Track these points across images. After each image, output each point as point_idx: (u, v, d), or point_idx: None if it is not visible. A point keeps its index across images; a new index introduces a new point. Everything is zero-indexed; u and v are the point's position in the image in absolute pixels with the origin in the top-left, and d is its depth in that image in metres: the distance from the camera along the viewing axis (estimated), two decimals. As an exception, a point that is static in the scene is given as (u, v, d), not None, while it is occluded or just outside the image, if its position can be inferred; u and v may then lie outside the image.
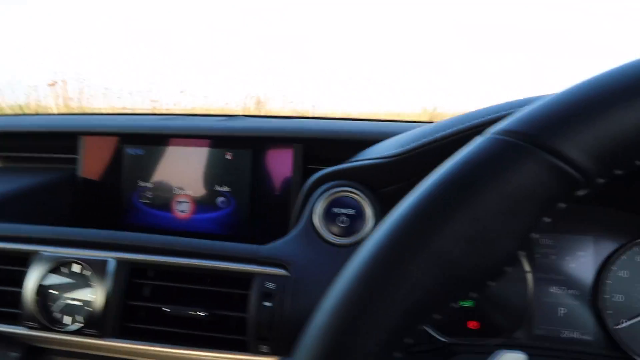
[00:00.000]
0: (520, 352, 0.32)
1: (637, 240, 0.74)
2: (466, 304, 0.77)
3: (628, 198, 0.74)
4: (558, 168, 0.24)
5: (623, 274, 0.74)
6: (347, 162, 0.75)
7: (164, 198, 0.91)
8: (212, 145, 0.88)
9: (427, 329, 0.76)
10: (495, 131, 0.26)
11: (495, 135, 0.25)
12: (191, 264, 0.63)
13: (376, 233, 0.26)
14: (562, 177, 0.24)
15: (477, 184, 0.24)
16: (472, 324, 0.77)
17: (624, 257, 0.74)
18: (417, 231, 0.24)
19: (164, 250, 0.64)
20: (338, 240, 0.60)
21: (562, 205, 0.25)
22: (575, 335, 0.75)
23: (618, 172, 0.25)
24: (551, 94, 0.26)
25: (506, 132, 0.25)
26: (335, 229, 0.59)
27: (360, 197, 0.61)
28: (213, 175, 0.88)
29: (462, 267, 0.24)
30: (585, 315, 0.75)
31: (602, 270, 0.74)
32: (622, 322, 0.72)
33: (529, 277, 0.76)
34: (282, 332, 0.55)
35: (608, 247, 0.75)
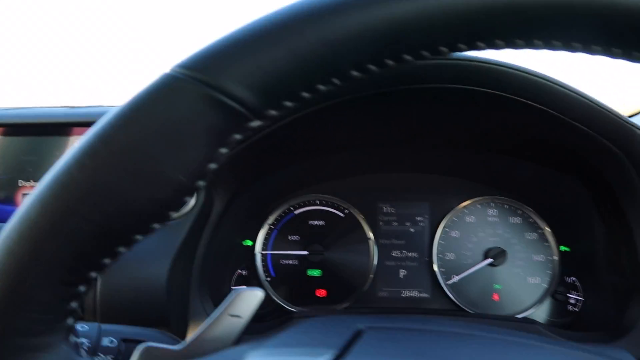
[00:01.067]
0: (257, 288, 0.34)
1: (466, 203, 0.81)
2: (314, 273, 0.80)
3: (460, 164, 0.81)
4: (221, 102, 0.24)
5: (454, 234, 0.80)
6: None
7: (8, 190, 0.85)
8: (56, 133, 0.84)
9: (277, 300, 0.79)
10: (171, 66, 0.27)
11: (169, 71, 0.26)
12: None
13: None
14: (227, 110, 0.24)
15: (141, 117, 0.24)
16: (320, 292, 0.80)
17: (454, 218, 0.81)
18: (84, 166, 0.24)
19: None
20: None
21: (237, 136, 0.26)
22: (415, 293, 0.80)
23: (287, 104, 0.27)
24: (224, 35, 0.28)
25: (177, 67, 0.26)
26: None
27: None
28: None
29: (136, 199, 0.24)
30: (422, 274, 0.81)
31: (436, 232, 0.80)
32: (453, 278, 0.79)
33: (371, 244, 0.81)
34: (96, 311, 0.55)
35: (442, 210, 0.81)
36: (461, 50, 0.26)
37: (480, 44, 0.26)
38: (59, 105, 0.97)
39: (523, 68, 0.53)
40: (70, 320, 0.26)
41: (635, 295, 0.63)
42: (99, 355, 0.41)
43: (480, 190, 0.81)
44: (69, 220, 0.23)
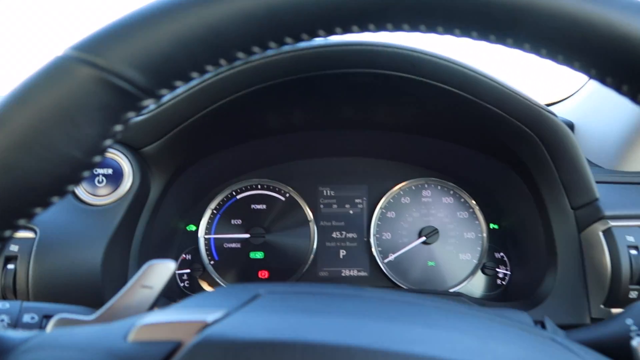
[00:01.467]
0: (170, 260, 0.36)
1: (401, 185, 0.84)
2: (257, 255, 0.83)
3: (395, 148, 0.84)
4: (110, 82, 0.26)
5: (390, 215, 0.84)
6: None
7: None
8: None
9: (221, 283, 0.81)
10: (64, 49, 0.28)
11: (61, 54, 0.27)
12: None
13: None
14: (117, 90, 0.26)
15: (34, 97, 0.26)
16: (262, 274, 0.82)
17: (391, 200, 0.84)
18: None
19: None
20: (95, 200, 0.61)
21: (131, 114, 0.28)
22: (354, 272, 0.84)
23: (178, 83, 0.28)
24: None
25: (69, 50, 0.27)
26: (91, 189, 0.60)
27: (119, 156, 0.62)
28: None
29: (32, 175, 0.26)
30: (361, 254, 0.84)
31: (374, 213, 0.84)
32: (390, 256, 0.83)
33: (312, 225, 0.84)
34: (29, 293, 0.55)
35: (379, 193, 0.85)
36: (338, 33, 0.29)
37: (353, 27, 0.28)
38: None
39: (435, 54, 0.56)
40: None
41: (550, 268, 0.68)
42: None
43: (415, 172, 0.85)
44: None
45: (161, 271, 0.36)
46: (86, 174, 0.28)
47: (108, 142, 0.28)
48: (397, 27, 0.29)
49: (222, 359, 0.23)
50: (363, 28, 0.29)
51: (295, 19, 0.27)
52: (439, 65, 0.56)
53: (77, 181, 0.28)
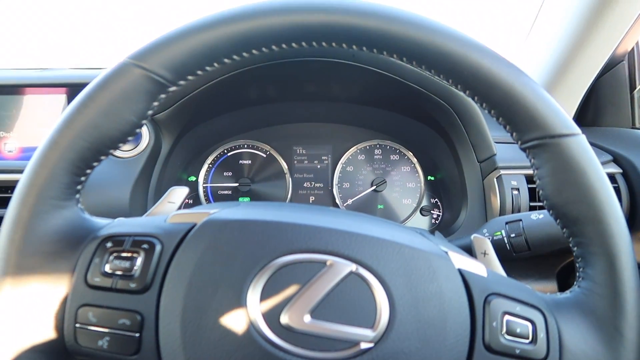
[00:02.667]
0: (184, 187, 0.56)
1: (357, 145, 1.06)
2: (244, 200, 1.05)
3: (354, 115, 1.05)
4: (151, 77, 0.41)
5: (349, 169, 1.06)
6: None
7: (-8, 141, 1.04)
8: (29, 93, 1.03)
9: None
10: (125, 57, 0.47)
11: (123, 60, 0.46)
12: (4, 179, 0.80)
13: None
14: (155, 82, 0.41)
15: (109, 84, 0.43)
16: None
17: (350, 157, 1.06)
18: (76, 111, 0.44)
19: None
20: (122, 153, 0.82)
21: (163, 95, 0.47)
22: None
23: (190, 77, 0.47)
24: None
25: (128, 57, 0.45)
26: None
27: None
28: (35, 117, 1.03)
29: (110, 130, 0.43)
30: (326, 199, 1.07)
31: (336, 168, 1.06)
32: (348, 201, 1.05)
33: (287, 177, 1.06)
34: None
35: (340, 151, 1.06)
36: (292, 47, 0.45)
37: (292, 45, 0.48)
38: (31, 67, 1.15)
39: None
40: (78, 195, 0.42)
41: (463, 207, 0.91)
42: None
43: (369, 135, 1.06)
44: (74, 140, 0.40)
45: (180, 192, 0.56)
46: (138, 130, 0.44)
47: (150, 111, 0.42)
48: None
49: (216, 232, 0.39)
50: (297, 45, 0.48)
51: (256, 41, 0.42)
52: (372, 55, 0.77)
53: (133, 135, 0.44)
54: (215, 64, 0.42)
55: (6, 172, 0.85)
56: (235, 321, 0.36)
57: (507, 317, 0.39)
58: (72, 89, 0.98)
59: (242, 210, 0.43)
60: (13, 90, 1.04)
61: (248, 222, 0.40)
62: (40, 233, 0.39)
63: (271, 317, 0.36)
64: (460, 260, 0.41)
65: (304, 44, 0.42)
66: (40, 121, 1.05)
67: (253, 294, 0.37)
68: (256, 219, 0.41)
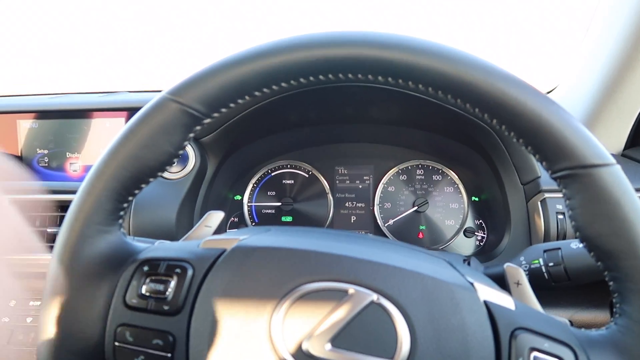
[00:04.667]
0: (220, 211, 0.59)
1: (399, 166, 1.06)
2: (287, 219, 1.07)
3: (396, 136, 1.06)
4: (187, 111, 0.43)
5: (391, 189, 1.06)
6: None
7: (58, 161, 1.13)
8: (93, 116, 1.11)
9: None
10: (164, 92, 0.50)
11: (162, 95, 0.48)
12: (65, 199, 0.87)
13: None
14: (190, 115, 0.43)
15: (149, 117, 0.47)
16: (290, 233, 1.07)
17: (391, 177, 1.06)
18: (119, 144, 0.47)
19: (45, 191, 0.89)
20: (170, 175, 0.87)
21: (198, 127, 0.48)
22: (361, 233, 1.06)
23: (223, 110, 0.49)
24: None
25: (166, 93, 0.48)
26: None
27: (190, 145, 0.88)
28: (98, 139, 1.11)
29: (149, 160, 0.44)
30: (367, 219, 1.07)
31: (378, 187, 1.06)
32: (389, 221, 1.05)
33: (329, 197, 1.07)
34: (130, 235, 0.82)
35: (382, 171, 1.07)
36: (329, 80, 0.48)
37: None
38: (93, 92, 1.24)
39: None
40: (120, 220, 0.44)
41: (507, 230, 0.89)
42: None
43: (411, 155, 1.06)
44: (118, 171, 0.42)
45: (216, 216, 0.59)
46: (175, 160, 0.44)
47: (186, 142, 0.44)
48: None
49: (244, 258, 0.41)
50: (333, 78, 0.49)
51: (283, 75, 0.43)
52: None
53: (171, 164, 0.44)
54: (247, 97, 0.44)
55: (69, 192, 0.92)
56: (258, 345, 0.38)
57: (534, 353, 0.38)
58: (131, 112, 1.04)
59: (271, 238, 0.45)
60: (80, 114, 1.12)
61: (274, 250, 0.42)
62: (85, 256, 0.42)
63: (293, 343, 0.37)
64: (487, 292, 0.41)
65: (330, 76, 0.43)
66: (102, 142, 1.13)
67: (276, 319, 0.38)
68: (282, 246, 0.42)
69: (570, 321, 0.46)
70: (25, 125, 1.15)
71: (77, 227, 0.42)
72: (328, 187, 1.07)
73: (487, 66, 0.41)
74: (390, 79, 0.42)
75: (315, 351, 0.37)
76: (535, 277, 0.61)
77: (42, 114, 1.13)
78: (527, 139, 0.41)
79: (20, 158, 1.16)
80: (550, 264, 0.60)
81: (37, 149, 1.16)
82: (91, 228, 0.42)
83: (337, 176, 1.08)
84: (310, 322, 0.38)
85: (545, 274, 0.60)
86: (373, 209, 1.06)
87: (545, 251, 0.62)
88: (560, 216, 0.79)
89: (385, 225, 1.05)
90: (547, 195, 0.81)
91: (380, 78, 0.43)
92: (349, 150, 1.09)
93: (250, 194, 1.08)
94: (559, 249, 0.61)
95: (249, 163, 1.07)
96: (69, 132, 1.15)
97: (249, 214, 1.08)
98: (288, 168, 1.09)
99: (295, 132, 1.03)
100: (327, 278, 0.40)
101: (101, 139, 1.13)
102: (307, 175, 1.08)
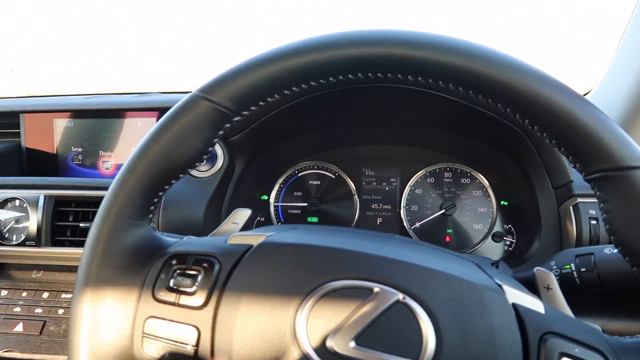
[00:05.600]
0: (247, 209, 0.60)
1: (426, 168, 1.05)
2: (313, 220, 1.07)
3: (424, 138, 1.05)
4: (217, 109, 0.43)
5: (418, 191, 1.05)
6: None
7: (92, 159, 1.17)
8: (125, 116, 1.14)
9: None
10: (194, 90, 0.51)
11: (192, 93, 0.49)
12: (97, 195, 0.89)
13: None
14: (221, 113, 0.44)
15: (180, 115, 0.47)
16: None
17: (418, 179, 1.05)
18: (151, 140, 0.48)
19: (78, 187, 0.91)
20: (198, 174, 0.89)
21: (228, 125, 0.50)
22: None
23: (253, 108, 0.50)
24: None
25: (197, 90, 0.48)
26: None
27: (218, 144, 0.89)
28: (130, 138, 1.14)
29: (180, 156, 0.44)
30: (394, 221, 1.06)
31: (404, 190, 1.05)
32: (416, 224, 1.04)
33: (356, 199, 1.07)
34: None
35: (409, 173, 1.06)
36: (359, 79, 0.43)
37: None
38: (126, 92, 1.27)
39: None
40: (151, 215, 0.45)
41: (537, 235, 0.86)
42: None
43: (439, 157, 1.05)
44: (149, 167, 0.43)
45: (243, 214, 0.60)
46: (205, 157, 0.45)
47: (215, 140, 0.45)
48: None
49: (270, 254, 0.41)
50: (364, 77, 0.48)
51: (313, 74, 0.42)
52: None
53: (201, 161, 0.45)
54: (276, 95, 0.44)
55: (101, 189, 0.94)
56: (283, 341, 0.38)
57: (564, 359, 0.37)
58: (162, 112, 1.07)
59: (297, 235, 0.45)
60: (113, 113, 1.15)
61: (300, 246, 0.42)
62: (117, 249, 0.43)
63: (317, 339, 0.37)
64: (516, 295, 0.40)
65: (360, 75, 0.43)
66: (134, 141, 1.15)
67: (301, 316, 0.38)
68: (308, 243, 0.42)
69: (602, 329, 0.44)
70: (61, 123, 1.19)
71: (110, 220, 0.43)
72: (354, 188, 1.07)
73: (520, 65, 0.40)
74: (420, 78, 0.42)
75: (339, 348, 0.37)
76: (566, 283, 0.60)
77: (78, 113, 1.16)
78: (560, 140, 0.40)
79: (55, 155, 1.19)
80: (583, 269, 0.59)
81: (72, 147, 1.19)
82: (123, 221, 0.43)
83: (363, 178, 1.08)
84: (335, 320, 0.38)
85: (577, 280, 0.59)
86: (399, 211, 1.05)
87: (577, 256, 0.61)
88: (594, 222, 0.77)
89: (412, 227, 1.04)
90: (579, 200, 0.79)
91: (410, 77, 0.42)
92: (376, 152, 1.08)
93: (277, 194, 1.09)
94: (592, 254, 0.59)
95: (276, 163, 1.08)
96: (102, 131, 1.18)
97: (275, 214, 1.08)
98: (315, 169, 1.09)
99: (323, 133, 1.03)
100: (353, 276, 0.39)
101: (133, 138, 1.15)
102: (333, 177, 1.08)
